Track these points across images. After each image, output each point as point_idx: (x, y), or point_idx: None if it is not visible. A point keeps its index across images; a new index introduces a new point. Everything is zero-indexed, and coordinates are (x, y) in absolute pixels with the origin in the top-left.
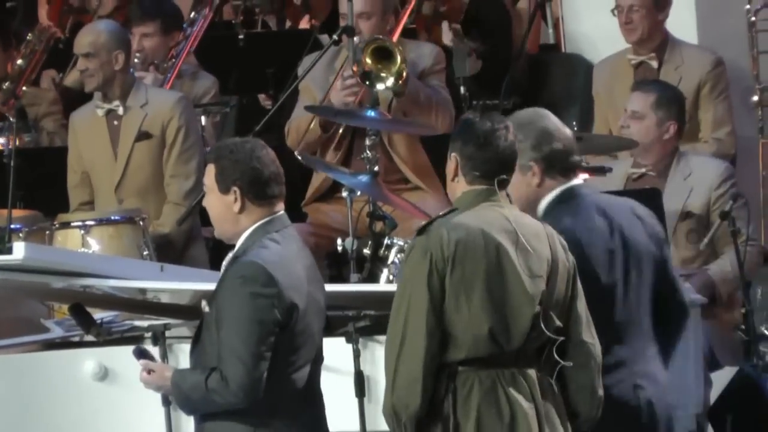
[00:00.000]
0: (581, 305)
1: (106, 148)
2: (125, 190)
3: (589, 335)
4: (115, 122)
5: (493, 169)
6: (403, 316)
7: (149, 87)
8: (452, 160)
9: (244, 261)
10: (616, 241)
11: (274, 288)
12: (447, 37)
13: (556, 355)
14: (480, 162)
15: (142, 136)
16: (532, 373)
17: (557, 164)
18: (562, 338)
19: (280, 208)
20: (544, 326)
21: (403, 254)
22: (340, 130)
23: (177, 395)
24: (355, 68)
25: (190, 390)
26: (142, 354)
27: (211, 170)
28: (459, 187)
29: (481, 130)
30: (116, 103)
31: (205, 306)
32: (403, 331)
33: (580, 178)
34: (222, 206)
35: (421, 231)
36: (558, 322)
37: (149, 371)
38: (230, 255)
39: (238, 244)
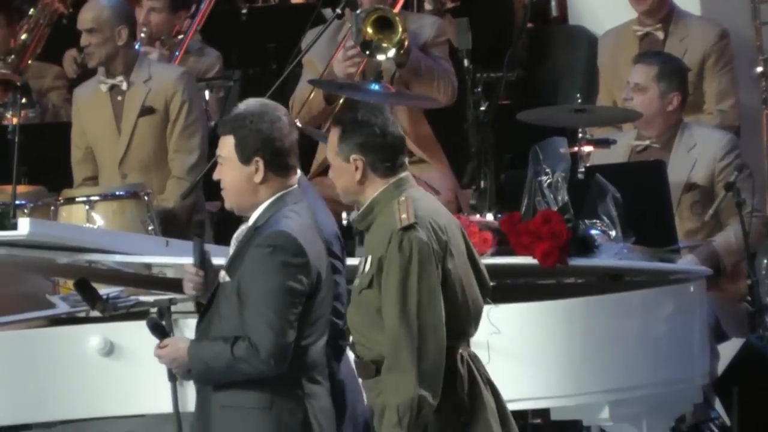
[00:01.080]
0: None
1: (110, 123)
2: (129, 165)
3: None
4: (119, 97)
5: (397, 155)
6: (413, 308)
7: (152, 62)
8: (354, 163)
9: (272, 231)
10: None
11: (304, 258)
12: (428, 1)
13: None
14: (388, 152)
15: (146, 111)
16: (473, 352)
17: None
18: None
19: (295, 181)
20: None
21: None
22: (341, 101)
23: (196, 366)
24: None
25: (212, 359)
26: (156, 327)
27: (228, 141)
28: (372, 184)
29: (377, 122)
30: (120, 78)
31: (224, 276)
32: (418, 323)
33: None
34: (241, 177)
35: (409, 227)
36: None
37: (163, 346)
38: (245, 226)
39: (256, 215)
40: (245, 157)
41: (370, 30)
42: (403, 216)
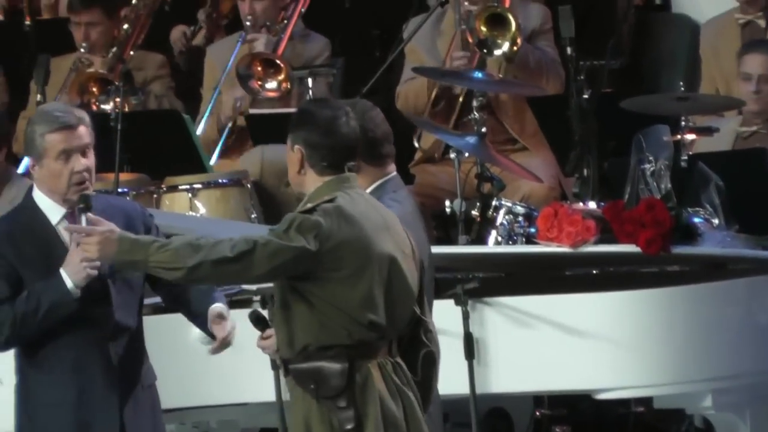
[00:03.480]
0: (425, 291)
1: None
2: None
3: (433, 323)
4: None
5: (340, 156)
6: (274, 240)
7: None
8: (296, 153)
9: None
10: None
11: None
12: None
13: (425, 339)
14: (326, 151)
15: None
16: (401, 362)
17: None
18: (430, 322)
19: (393, 169)
20: (420, 313)
21: (511, 216)
22: (460, 99)
23: None
24: (470, 38)
25: None
26: (258, 320)
27: None
28: (308, 179)
29: (323, 118)
30: None
31: None
32: (260, 252)
33: None
34: None
35: (308, 211)
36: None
37: (266, 337)
38: None
39: None
40: None
41: (483, 28)
42: (309, 205)
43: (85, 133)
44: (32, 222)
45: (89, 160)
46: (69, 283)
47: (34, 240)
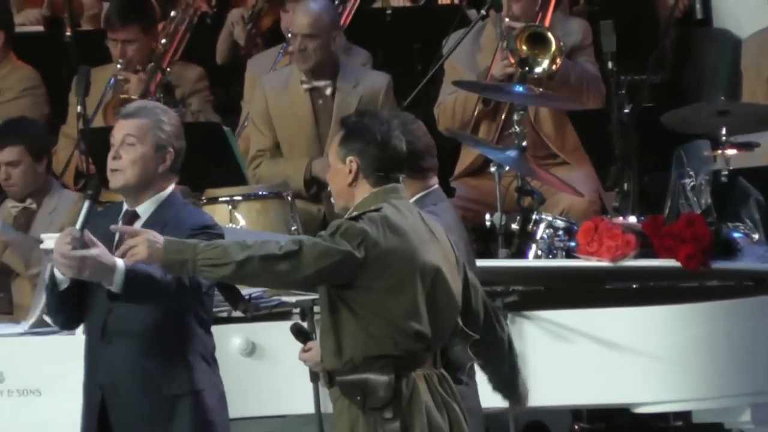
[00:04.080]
0: (478, 299)
1: (308, 125)
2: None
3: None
4: (320, 101)
5: (394, 167)
6: (320, 242)
7: (355, 68)
8: (349, 164)
9: None
10: None
11: None
12: None
13: (471, 353)
14: (383, 162)
15: None
16: (446, 374)
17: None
18: (476, 336)
19: (435, 182)
20: (463, 325)
21: (551, 229)
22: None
23: None
24: (511, 59)
25: None
26: (299, 332)
27: None
28: (359, 190)
29: (379, 131)
30: (325, 82)
31: None
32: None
33: None
34: None
35: (354, 218)
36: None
37: (307, 349)
38: None
39: None
40: None
41: (524, 47)
42: (355, 213)
43: (123, 125)
44: (115, 217)
45: (126, 153)
46: (54, 270)
47: (105, 234)
